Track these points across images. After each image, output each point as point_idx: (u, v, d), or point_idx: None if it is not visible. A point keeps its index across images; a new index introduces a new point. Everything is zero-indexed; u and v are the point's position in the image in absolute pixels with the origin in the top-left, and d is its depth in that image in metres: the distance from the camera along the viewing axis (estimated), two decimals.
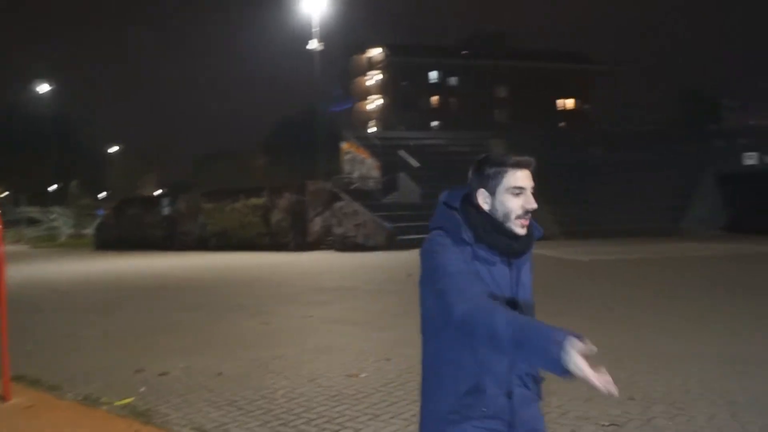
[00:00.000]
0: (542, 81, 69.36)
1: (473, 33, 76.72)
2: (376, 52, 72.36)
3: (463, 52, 71.41)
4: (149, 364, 7.11)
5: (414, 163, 31.41)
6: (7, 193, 63.47)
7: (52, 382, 6.46)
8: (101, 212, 44.28)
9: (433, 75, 71.99)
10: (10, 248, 35.60)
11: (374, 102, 72.80)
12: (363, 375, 6.38)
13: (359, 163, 33.72)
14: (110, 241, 33.56)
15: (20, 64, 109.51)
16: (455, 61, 71.32)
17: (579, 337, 1.73)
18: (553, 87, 70.68)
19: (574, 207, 26.50)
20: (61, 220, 47.28)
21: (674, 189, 28.46)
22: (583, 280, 14.01)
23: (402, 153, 32.50)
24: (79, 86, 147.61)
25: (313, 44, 33.38)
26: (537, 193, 2.19)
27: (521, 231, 2.16)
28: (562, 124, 66.71)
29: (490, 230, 2.14)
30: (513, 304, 2.15)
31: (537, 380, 2.21)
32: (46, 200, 54.76)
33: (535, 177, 2.19)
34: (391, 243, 23.77)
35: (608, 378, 1.71)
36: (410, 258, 18.86)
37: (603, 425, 4.75)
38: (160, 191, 65.60)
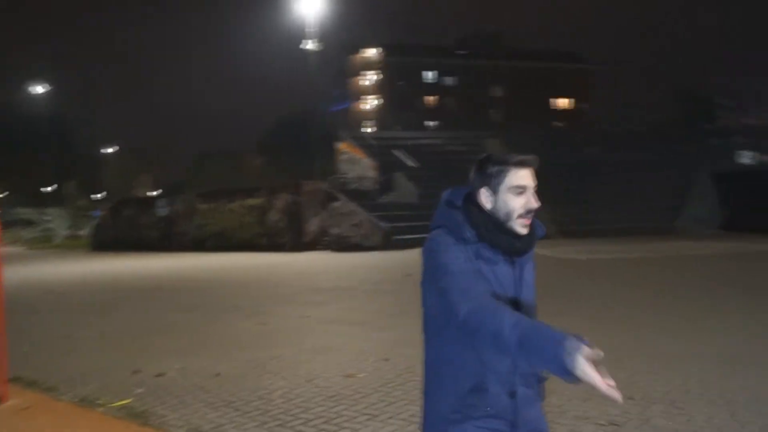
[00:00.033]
0: (539, 81, 69.55)
1: (470, 33, 76.81)
2: (372, 52, 72.40)
3: (460, 51, 71.47)
4: (146, 365, 7.09)
5: (410, 163, 31.41)
6: (6, 193, 63.33)
7: (49, 383, 6.43)
8: (97, 213, 44.20)
9: (430, 75, 72.11)
10: (6, 250, 35.52)
11: (371, 102, 72.82)
12: (361, 375, 6.36)
13: (356, 163, 33.70)
14: (106, 242, 33.51)
15: (17, 63, 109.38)
16: (452, 60, 71.46)
17: (586, 342, 1.73)
18: (550, 87, 70.88)
19: (570, 206, 26.50)
20: (57, 221, 47.20)
21: (671, 188, 28.50)
22: (582, 279, 14.01)
23: (398, 153, 32.49)
24: (74, 87, 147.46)
25: (310, 44, 33.36)
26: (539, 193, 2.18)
27: (523, 230, 2.15)
28: (558, 123, 66.77)
29: (493, 229, 2.13)
30: (516, 303, 2.14)
31: (540, 380, 2.20)
32: (42, 201, 54.67)
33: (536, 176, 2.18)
34: (388, 243, 23.76)
35: (612, 383, 1.71)
36: (407, 258, 18.85)
37: (602, 425, 4.74)
38: (156, 192, 65.56)
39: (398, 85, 69.69)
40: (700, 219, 26.95)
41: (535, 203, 2.15)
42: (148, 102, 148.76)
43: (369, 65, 73.15)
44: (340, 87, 74.23)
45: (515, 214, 2.13)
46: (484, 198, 2.16)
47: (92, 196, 65.62)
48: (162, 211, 32.11)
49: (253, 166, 68.92)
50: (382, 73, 71.33)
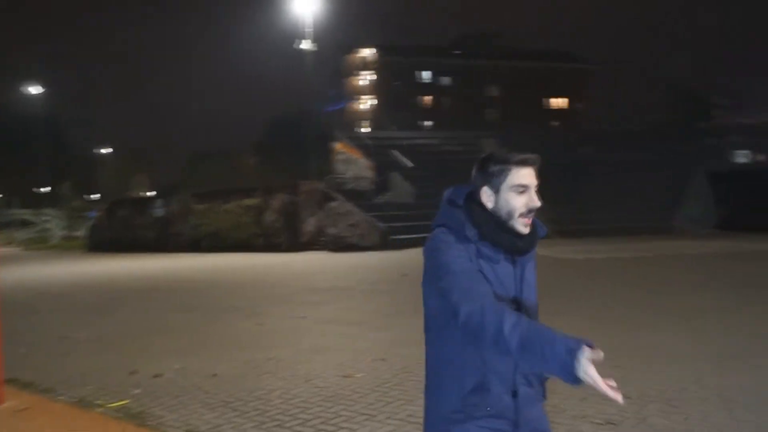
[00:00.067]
0: (534, 80, 69.66)
1: (465, 33, 76.85)
2: (368, 52, 72.40)
3: (455, 51, 71.51)
4: (143, 366, 7.08)
5: (407, 163, 31.41)
6: (0, 196, 63.20)
7: (46, 384, 6.43)
8: (93, 214, 44.13)
9: (425, 75, 72.13)
10: (2, 251, 35.47)
11: (366, 102, 72.82)
12: (358, 375, 6.37)
13: (352, 163, 33.68)
14: (102, 242, 33.44)
15: (16, 63, 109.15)
16: (447, 60, 71.53)
17: (588, 343, 1.74)
18: (546, 86, 71.00)
19: (566, 206, 26.50)
20: (53, 222, 47.11)
21: (666, 187, 28.52)
22: (579, 279, 14.02)
23: (394, 153, 32.50)
24: (71, 87, 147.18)
25: (305, 44, 33.34)
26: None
27: (525, 229, 2.16)
28: (554, 123, 66.84)
29: (494, 228, 2.13)
30: (517, 302, 2.14)
31: (541, 379, 2.20)
32: (37, 202, 54.54)
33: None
34: (385, 243, 23.76)
35: (613, 383, 1.73)
36: (404, 258, 18.87)
37: (599, 424, 4.75)
38: (152, 192, 65.47)
39: (394, 85, 69.72)
40: (695, 218, 26.99)
41: (536, 202, 2.15)
42: (144, 102, 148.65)
43: (365, 65, 73.15)
44: (336, 87, 74.23)
45: (517, 213, 2.14)
46: (486, 197, 2.17)
47: (88, 196, 65.54)
48: (158, 211, 32.07)
49: (249, 166, 68.87)
50: (378, 73, 71.34)
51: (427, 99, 71.81)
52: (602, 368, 1.76)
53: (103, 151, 75.55)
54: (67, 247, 39.35)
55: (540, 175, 2.19)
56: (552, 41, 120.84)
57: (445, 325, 2.08)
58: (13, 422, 5.39)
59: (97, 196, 68.80)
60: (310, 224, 26.28)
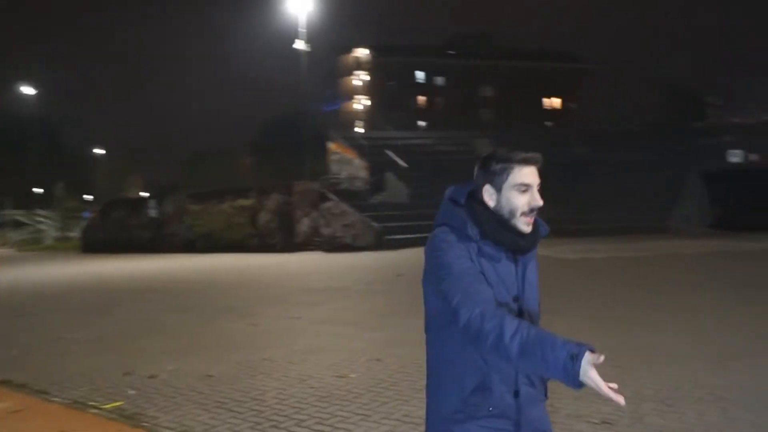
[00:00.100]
0: (530, 80, 69.69)
1: (459, 33, 76.85)
2: (362, 53, 72.38)
3: (450, 51, 71.55)
4: (138, 367, 7.06)
5: (401, 163, 31.42)
6: None
7: (40, 385, 6.40)
8: (87, 215, 44.06)
9: (420, 75, 72.14)
10: None
11: (361, 102, 72.80)
12: (353, 375, 6.36)
13: (347, 163, 33.71)
14: (97, 243, 33.37)
15: (15, 63, 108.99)
16: (442, 60, 71.53)
17: (589, 347, 1.75)
18: (541, 86, 71.02)
19: (561, 206, 26.54)
20: (47, 223, 47.02)
21: (662, 187, 28.58)
22: (578, 278, 14.03)
23: (389, 153, 32.50)
24: (66, 87, 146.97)
25: (300, 44, 33.30)
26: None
27: (527, 228, 2.15)
28: (549, 123, 66.91)
29: (496, 226, 2.12)
30: (519, 301, 2.14)
31: (543, 379, 2.20)
32: (31, 203, 54.42)
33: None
34: (380, 243, 23.75)
35: (615, 386, 1.75)
36: (399, 258, 18.86)
37: (594, 423, 4.76)
38: (146, 193, 65.30)
39: (388, 85, 69.68)
40: (690, 218, 27.07)
41: (539, 201, 2.15)
42: (140, 102, 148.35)
43: (359, 65, 73.12)
44: (331, 87, 74.17)
45: (519, 212, 2.13)
46: (488, 195, 2.16)
47: (83, 197, 65.40)
48: (152, 212, 32.02)
49: (243, 167, 68.78)
50: (372, 73, 71.32)
51: (422, 99, 71.82)
52: (601, 368, 1.77)
53: (98, 151, 75.38)
54: (61, 248, 39.29)
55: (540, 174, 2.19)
56: (551, 42, 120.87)
57: (445, 325, 2.07)
58: (7, 424, 5.37)
59: (92, 196, 68.66)
60: (304, 224, 26.27)
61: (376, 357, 7.07)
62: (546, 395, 2.24)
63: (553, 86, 72.36)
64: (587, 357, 1.74)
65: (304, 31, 32.86)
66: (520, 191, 2.13)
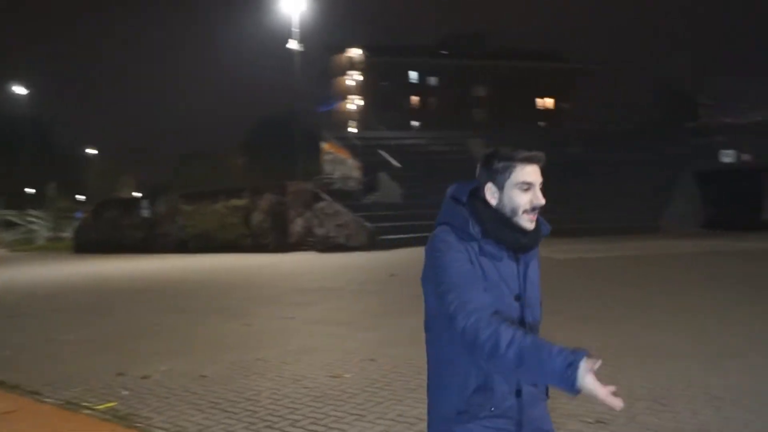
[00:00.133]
0: (523, 80, 69.72)
1: (452, 33, 76.85)
2: (355, 53, 72.33)
3: (443, 51, 71.56)
4: (131, 367, 7.04)
5: (394, 163, 31.43)
6: None
7: (33, 386, 6.37)
8: (79, 215, 43.91)
9: (413, 75, 72.13)
10: None
11: (354, 102, 72.74)
12: (347, 375, 6.35)
13: (340, 163, 33.67)
14: (89, 244, 33.28)
15: (15, 63, 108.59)
16: (435, 60, 71.50)
17: (587, 354, 1.76)
18: (533, 86, 71.05)
19: (559, 205, 26.59)
20: (39, 223, 46.85)
21: (655, 187, 28.67)
22: (578, 278, 14.04)
23: (382, 153, 32.50)
24: (57, 87, 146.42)
25: (293, 44, 33.26)
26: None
27: (530, 225, 2.15)
28: (542, 123, 66.99)
29: (498, 225, 2.11)
30: (520, 299, 2.13)
31: None
32: (23, 203, 54.22)
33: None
34: (373, 243, 23.76)
35: (613, 389, 1.76)
36: (392, 258, 18.87)
37: (588, 422, 4.76)
38: (139, 193, 65.13)
39: (382, 86, 69.64)
40: (683, 217, 27.16)
41: (541, 200, 2.14)
42: (132, 102, 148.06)
43: (352, 65, 73.06)
44: (324, 87, 74.09)
45: (521, 210, 2.12)
46: (490, 194, 2.15)
47: (76, 197, 65.17)
48: (145, 212, 31.95)
49: (236, 167, 68.64)
50: (365, 73, 71.27)
51: (415, 99, 71.82)
52: (598, 368, 1.77)
53: (90, 151, 75.14)
54: (53, 248, 39.16)
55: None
56: (548, 42, 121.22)
57: (445, 326, 2.06)
58: (0, 425, 5.34)
59: (85, 196, 68.43)
60: (297, 225, 26.25)
61: (370, 357, 7.06)
62: (547, 395, 2.24)
63: (546, 86, 72.42)
64: (584, 363, 1.75)
65: (298, 30, 32.86)
66: (523, 190, 2.12)
